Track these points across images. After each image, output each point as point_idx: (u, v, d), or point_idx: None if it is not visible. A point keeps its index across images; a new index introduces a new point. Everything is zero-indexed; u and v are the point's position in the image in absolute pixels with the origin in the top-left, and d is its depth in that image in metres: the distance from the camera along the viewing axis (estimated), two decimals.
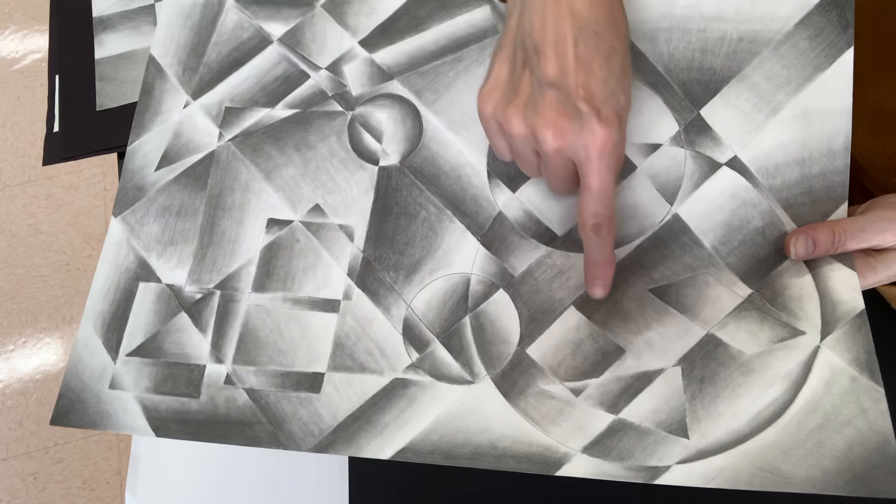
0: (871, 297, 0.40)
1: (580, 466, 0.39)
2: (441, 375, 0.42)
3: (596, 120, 0.34)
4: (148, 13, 0.58)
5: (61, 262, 1.42)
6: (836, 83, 0.44)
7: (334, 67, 0.51)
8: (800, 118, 0.44)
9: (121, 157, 0.57)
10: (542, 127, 0.35)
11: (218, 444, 0.48)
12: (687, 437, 0.39)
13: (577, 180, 0.38)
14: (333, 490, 0.49)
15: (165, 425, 0.43)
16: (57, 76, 0.58)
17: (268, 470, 0.51)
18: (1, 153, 1.51)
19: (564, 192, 0.41)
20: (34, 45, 1.59)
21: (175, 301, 0.46)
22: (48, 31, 0.60)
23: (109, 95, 0.56)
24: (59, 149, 0.56)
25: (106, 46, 0.57)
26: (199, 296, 0.46)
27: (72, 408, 0.45)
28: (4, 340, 1.38)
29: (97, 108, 0.56)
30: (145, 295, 0.47)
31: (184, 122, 0.51)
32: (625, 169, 0.45)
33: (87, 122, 0.56)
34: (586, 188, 0.36)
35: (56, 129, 0.57)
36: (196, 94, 0.52)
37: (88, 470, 1.29)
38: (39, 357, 1.38)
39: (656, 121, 0.45)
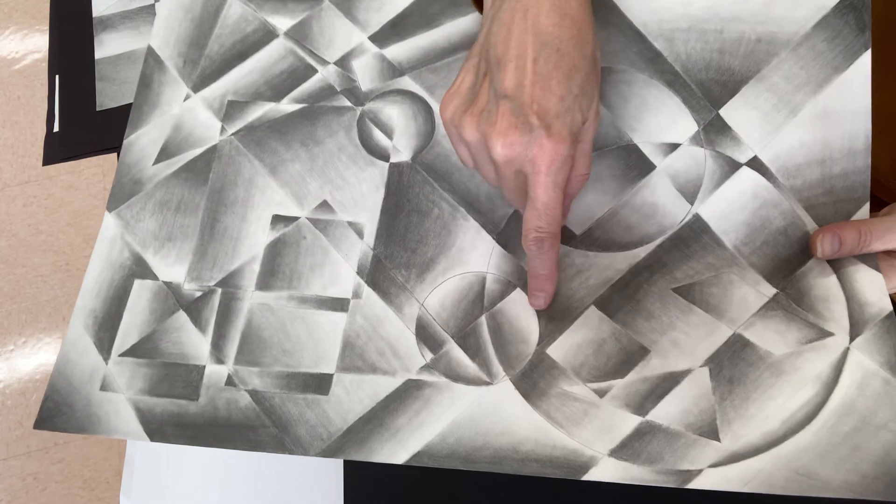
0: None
1: (608, 470, 0.37)
2: (457, 376, 0.40)
3: (545, 134, 0.35)
4: (148, 13, 0.57)
5: (61, 262, 1.41)
6: (855, 84, 0.43)
7: (343, 62, 0.49)
8: (819, 118, 0.43)
9: None
10: (492, 136, 0.36)
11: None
12: (718, 439, 0.37)
13: None
14: (329, 492, 0.47)
15: (161, 429, 0.40)
16: (57, 76, 0.57)
17: (264, 473, 0.48)
18: (1, 153, 1.50)
19: (518, 203, 0.40)
20: (34, 45, 1.59)
21: (173, 299, 0.44)
22: (48, 31, 0.60)
23: (109, 95, 0.55)
24: (59, 149, 0.55)
25: (106, 46, 0.56)
26: (198, 294, 0.44)
27: (58, 411, 0.41)
28: (4, 340, 1.37)
29: (97, 108, 0.55)
30: (141, 292, 0.44)
31: (184, 115, 0.49)
32: (643, 168, 0.44)
33: (87, 122, 0.55)
34: (531, 201, 0.37)
35: (56, 129, 0.56)
36: (197, 87, 0.50)
37: (88, 470, 1.27)
38: (39, 357, 1.36)
39: (675, 120, 0.44)
